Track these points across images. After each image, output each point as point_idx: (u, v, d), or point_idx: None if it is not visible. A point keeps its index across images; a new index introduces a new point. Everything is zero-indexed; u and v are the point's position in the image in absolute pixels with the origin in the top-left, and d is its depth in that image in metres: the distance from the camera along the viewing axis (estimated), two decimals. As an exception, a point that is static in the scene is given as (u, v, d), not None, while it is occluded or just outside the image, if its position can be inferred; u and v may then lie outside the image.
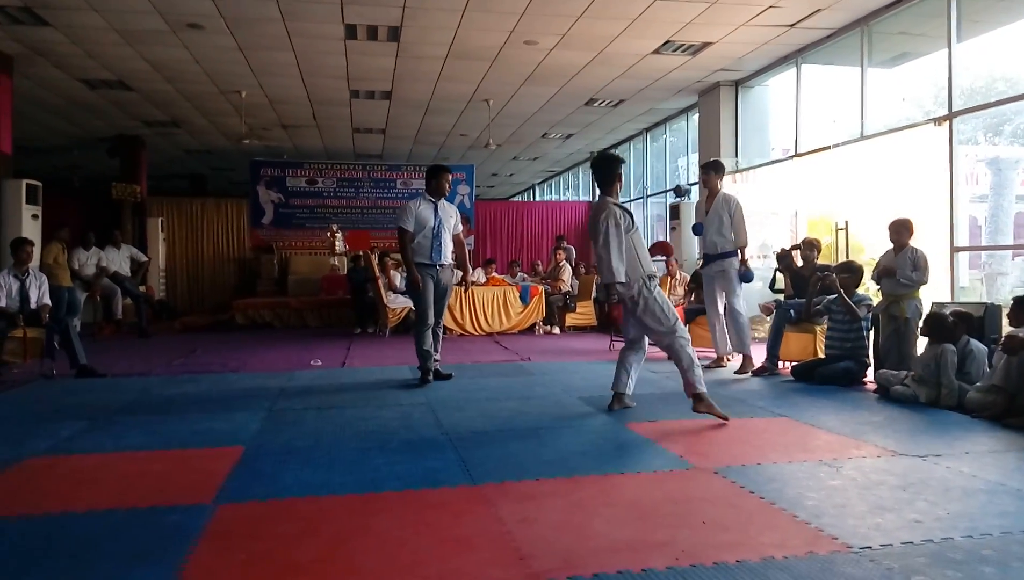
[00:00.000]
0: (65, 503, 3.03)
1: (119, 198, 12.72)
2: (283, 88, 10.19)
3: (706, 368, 6.45)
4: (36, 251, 7.51)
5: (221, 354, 8.05)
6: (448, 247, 5.95)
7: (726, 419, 4.38)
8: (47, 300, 6.75)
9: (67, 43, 8.14)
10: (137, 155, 13.28)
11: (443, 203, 5.99)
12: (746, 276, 6.38)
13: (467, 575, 2.27)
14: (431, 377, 5.87)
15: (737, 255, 6.38)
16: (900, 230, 5.74)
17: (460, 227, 6.16)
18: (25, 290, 6.57)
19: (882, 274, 5.78)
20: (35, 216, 8.79)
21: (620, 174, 4.73)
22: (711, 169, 6.59)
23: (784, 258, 7.14)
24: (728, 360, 6.66)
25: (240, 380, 6.20)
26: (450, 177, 6.07)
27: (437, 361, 6.00)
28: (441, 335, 6.15)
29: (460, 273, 6.47)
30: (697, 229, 6.69)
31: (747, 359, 6.35)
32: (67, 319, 7.10)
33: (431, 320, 5.87)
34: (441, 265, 5.89)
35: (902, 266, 5.64)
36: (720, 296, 6.55)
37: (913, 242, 5.75)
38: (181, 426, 4.45)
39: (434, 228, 5.81)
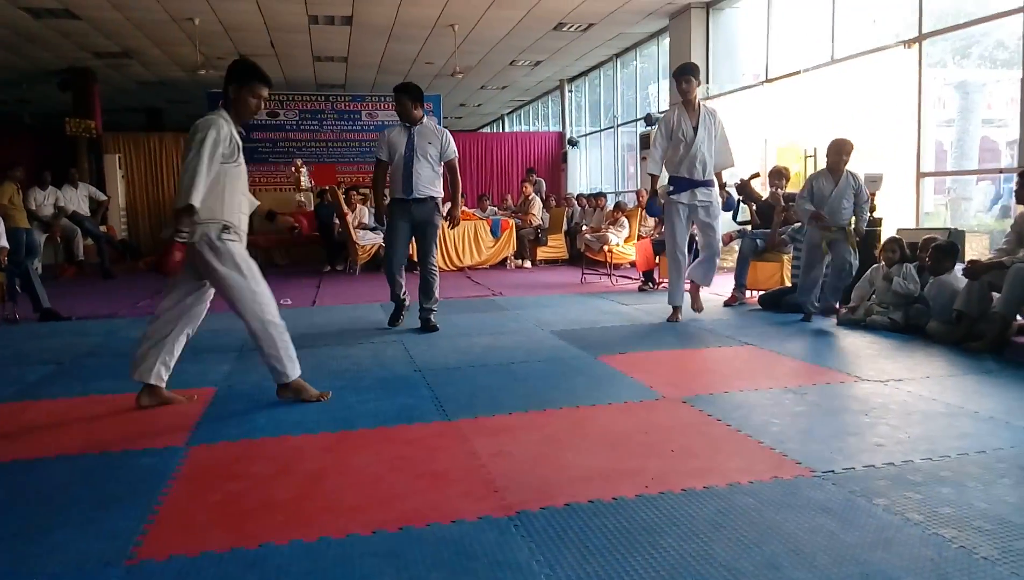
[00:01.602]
0: (35, 449, 2.99)
1: (73, 134, 12.27)
2: (238, 14, 9.77)
3: (668, 321, 5.64)
4: (-11, 192, 7.26)
5: (188, 293, 7.92)
6: (425, 178, 5.22)
7: (323, 397, 3.60)
8: (4, 242, 6.53)
9: (5, -32, 7.69)
10: (89, 89, 12.76)
11: (422, 128, 5.26)
12: (729, 203, 5.77)
13: (443, 509, 2.31)
14: (402, 317, 5.55)
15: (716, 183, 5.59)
16: (843, 152, 5.27)
17: (451, 154, 5.36)
18: (-21, 233, 6.36)
19: (815, 217, 5.29)
20: (-15, 155, 8.46)
21: (238, 89, 3.40)
22: (691, 73, 5.41)
23: (743, 189, 7.12)
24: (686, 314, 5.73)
25: (208, 321, 6.05)
26: (410, 97, 5.21)
27: (431, 310, 5.46)
28: (434, 281, 5.42)
29: (448, 206, 5.63)
30: (655, 163, 5.62)
31: (697, 290, 5.82)
32: (27, 262, 6.90)
33: (397, 261, 5.39)
34: (417, 199, 5.23)
35: (847, 196, 5.30)
36: (688, 233, 5.69)
37: (878, 168, 5.75)
38: (150, 368, 4.39)
39: (404, 156, 5.18)
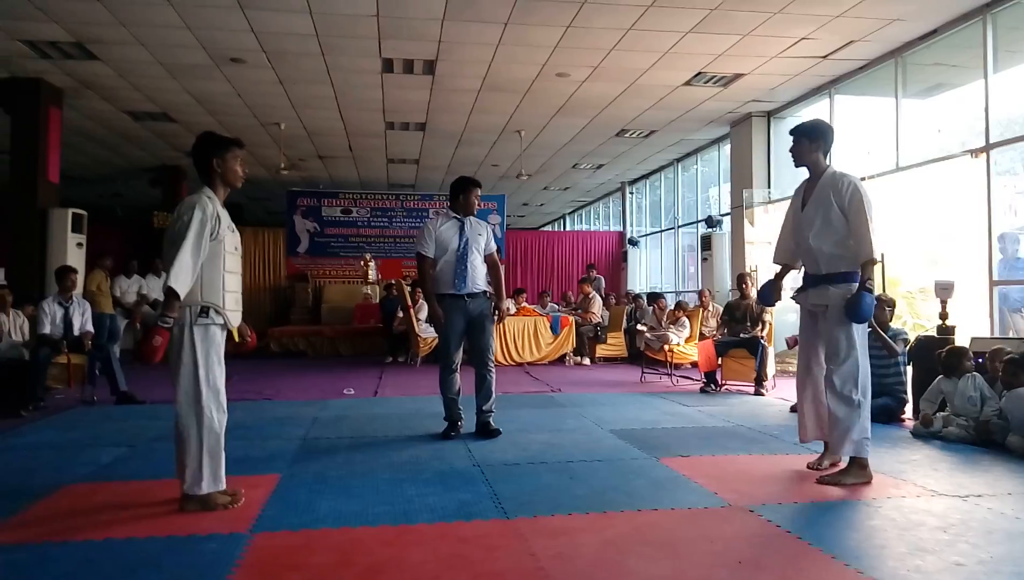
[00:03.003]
0: (105, 530, 3.08)
1: (160, 227, 13.05)
2: (321, 120, 10.43)
3: (817, 469, 4.02)
4: (80, 279, 7.71)
5: (256, 382, 8.15)
6: (479, 272, 5.03)
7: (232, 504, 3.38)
8: (90, 327, 6.92)
9: (114, 76, 8.44)
10: (178, 185, 13.64)
11: (471, 220, 5.06)
12: (858, 309, 3.73)
13: (500, 611, 2.27)
14: (457, 430, 5.02)
15: (854, 278, 3.82)
16: None
17: (493, 246, 5.20)
18: (69, 317, 6.74)
19: None
20: (80, 244, 9.04)
21: (221, 160, 3.39)
22: (801, 134, 4.02)
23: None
24: (836, 463, 4.02)
25: (275, 408, 6.28)
26: (478, 192, 5.12)
27: (489, 412, 5.11)
28: (491, 378, 5.08)
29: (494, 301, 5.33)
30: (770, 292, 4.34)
31: (856, 464, 3.82)
32: (108, 346, 7.26)
33: (455, 362, 5.04)
34: (471, 294, 4.99)
35: None
36: (819, 350, 4.01)
37: (948, 275, 5.59)
38: (217, 454, 4.50)
39: (459, 250, 4.92)
